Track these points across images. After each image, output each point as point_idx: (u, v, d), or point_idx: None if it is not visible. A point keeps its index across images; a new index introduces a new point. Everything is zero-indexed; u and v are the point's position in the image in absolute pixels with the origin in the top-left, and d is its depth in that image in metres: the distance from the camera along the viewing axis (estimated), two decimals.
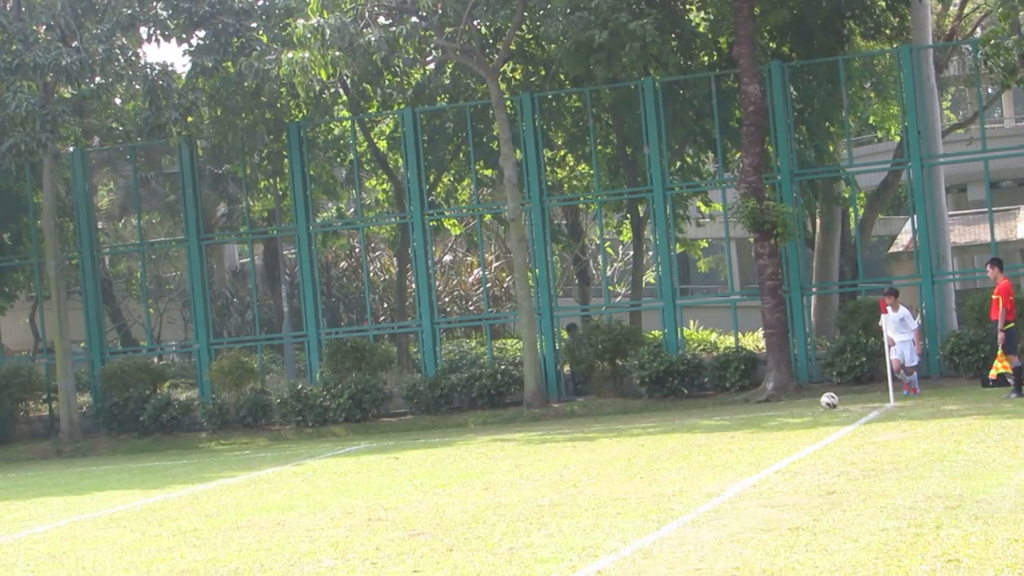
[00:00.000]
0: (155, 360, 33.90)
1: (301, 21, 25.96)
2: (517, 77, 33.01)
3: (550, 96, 30.99)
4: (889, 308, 23.27)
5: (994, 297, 21.86)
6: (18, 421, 31.36)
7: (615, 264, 45.50)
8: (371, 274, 40.67)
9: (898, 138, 33.36)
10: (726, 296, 35.71)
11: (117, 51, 28.84)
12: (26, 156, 28.69)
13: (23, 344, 40.50)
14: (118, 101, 33.17)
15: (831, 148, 31.54)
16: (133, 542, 12.99)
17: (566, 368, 29.22)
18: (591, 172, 32.01)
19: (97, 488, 19.91)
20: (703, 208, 34.68)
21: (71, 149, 32.50)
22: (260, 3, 30.43)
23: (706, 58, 31.01)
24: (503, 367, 28.68)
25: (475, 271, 43.91)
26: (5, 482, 23.04)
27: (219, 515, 14.66)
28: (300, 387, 28.88)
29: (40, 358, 33.95)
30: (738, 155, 28.47)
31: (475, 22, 28.37)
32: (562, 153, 34.05)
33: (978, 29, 33.20)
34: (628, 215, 33.46)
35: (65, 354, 29.90)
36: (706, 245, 40.05)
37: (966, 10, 34.72)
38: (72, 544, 13.26)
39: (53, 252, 29.98)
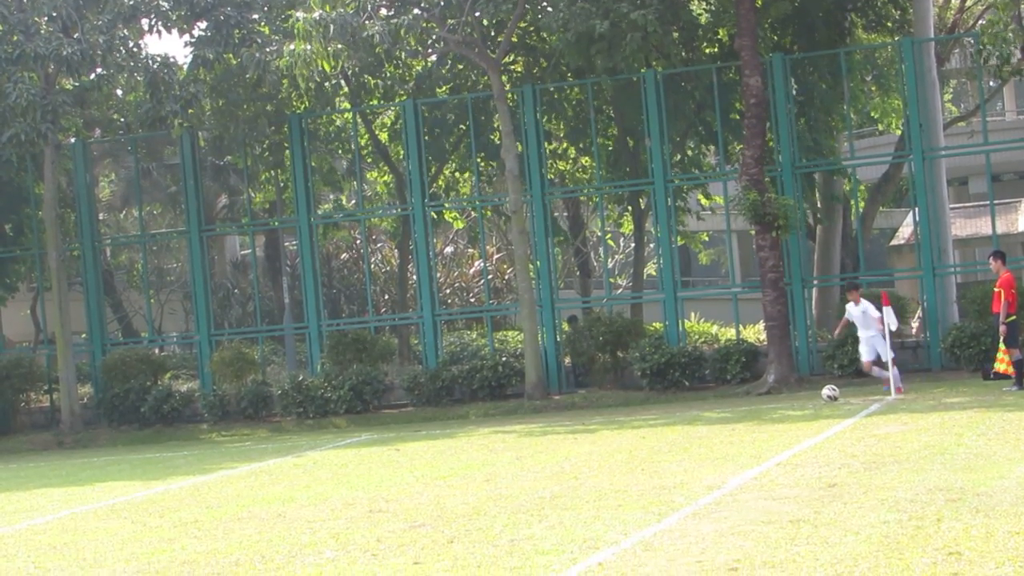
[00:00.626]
0: (156, 351, 33.88)
1: (302, 15, 25.92)
2: (518, 69, 32.99)
3: (551, 88, 30.97)
4: (851, 303, 23.35)
5: (996, 290, 21.86)
6: (19, 412, 31.39)
7: (616, 256, 45.49)
8: (372, 266, 40.66)
9: (899, 131, 33.34)
10: (727, 288, 35.70)
11: (118, 42, 28.81)
12: (26, 147, 28.67)
13: (24, 335, 40.51)
14: (119, 92, 33.17)
15: (831, 142, 31.49)
16: (134, 533, 13.00)
17: (567, 360, 29.22)
18: (592, 165, 32.00)
19: (98, 479, 19.92)
20: (703, 201, 34.64)
21: (72, 140, 32.49)
22: None
23: (708, 50, 30.99)
24: (504, 359, 28.67)
25: (476, 263, 43.90)
26: (6, 473, 23.06)
27: (220, 506, 14.67)
28: (301, 378, 28.90)
29: (41, 349, 33.96)
30: (739, 147, 28.46)
31: (477, 14, 28.34)
32: (564, 146, 34.03)
33: (980, 22, 33.16)
34: (629, 207, 33.45)
35: (66, 345, 29.90)
36: (707, 239, 40.02)
37: (968, 2, 34.71)
38: (73, 535, 13.27)
39: (54, 243, 29.98)
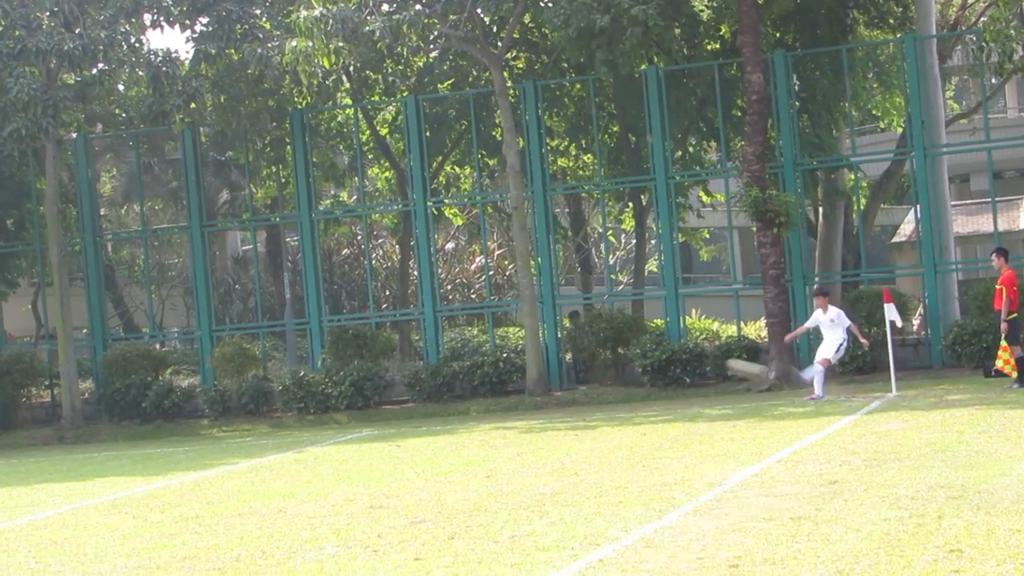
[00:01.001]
0: (157, 347, 33.92)
1: (303, 12, 25.90)
2: (520, 65, 32.96)
3: (553, 84, 30.95)
4: (819, 310, 23.12)
5: (998, 287, 21.85)
6: (20, 407, 31.39)
7: (617, 253, 45.48)
8: (373, 262, 40.67)
9: (901, 128, 33.30)
10: (728, 285, 35.70)
11: (120, 37, 28.78)
12: (28, 142, 28.65)
13: (25, 330, 40.53)
14: (121, 87, 33.15)
15: (832, 139, 31.45)
16: (134, 528, 13.00)
17: (568, 356, 29.21)
18: (594, 161, 32.00)
19: (98, 474, 19.92)
20: (704, 198, 34.63)
21: (74, 135, 32.49)
22: None
23: (709, 46, 30.97)
24: (505, 355, 28.67)
25: (477, 259, 43.91)
26: (7, 468, 23.06)
27: (221, 502, 14.67)
28: (302, 374, 28.89)
29: (42, 344, 33.98)
30: (741, 144, 28.46)
31: (478, 10, 28.32)
32: (565, 142, 34.03)
33: (982, 19, 33.11)
34: (630, 204, 33.43)
35: (67, 340, 29.90)
36: (708, 235, 40.00)
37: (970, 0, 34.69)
38: (74, 530, 13.26)
39: (56, 238, 29.97)
